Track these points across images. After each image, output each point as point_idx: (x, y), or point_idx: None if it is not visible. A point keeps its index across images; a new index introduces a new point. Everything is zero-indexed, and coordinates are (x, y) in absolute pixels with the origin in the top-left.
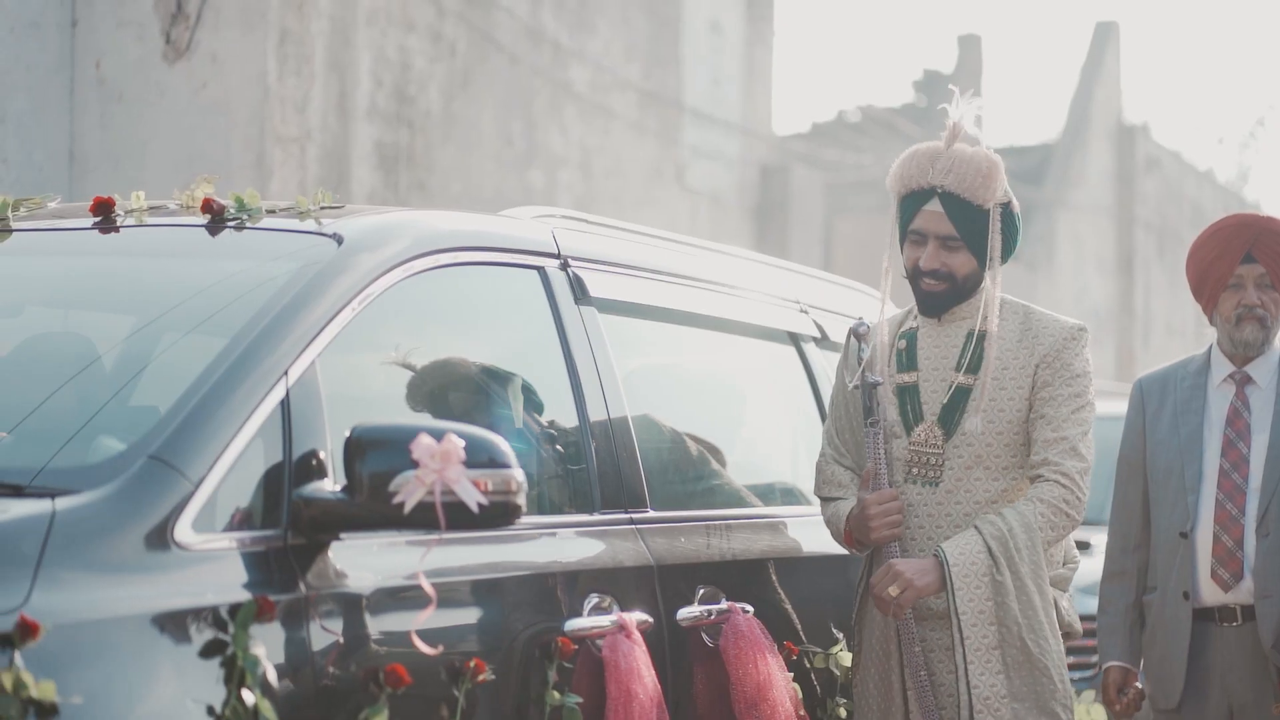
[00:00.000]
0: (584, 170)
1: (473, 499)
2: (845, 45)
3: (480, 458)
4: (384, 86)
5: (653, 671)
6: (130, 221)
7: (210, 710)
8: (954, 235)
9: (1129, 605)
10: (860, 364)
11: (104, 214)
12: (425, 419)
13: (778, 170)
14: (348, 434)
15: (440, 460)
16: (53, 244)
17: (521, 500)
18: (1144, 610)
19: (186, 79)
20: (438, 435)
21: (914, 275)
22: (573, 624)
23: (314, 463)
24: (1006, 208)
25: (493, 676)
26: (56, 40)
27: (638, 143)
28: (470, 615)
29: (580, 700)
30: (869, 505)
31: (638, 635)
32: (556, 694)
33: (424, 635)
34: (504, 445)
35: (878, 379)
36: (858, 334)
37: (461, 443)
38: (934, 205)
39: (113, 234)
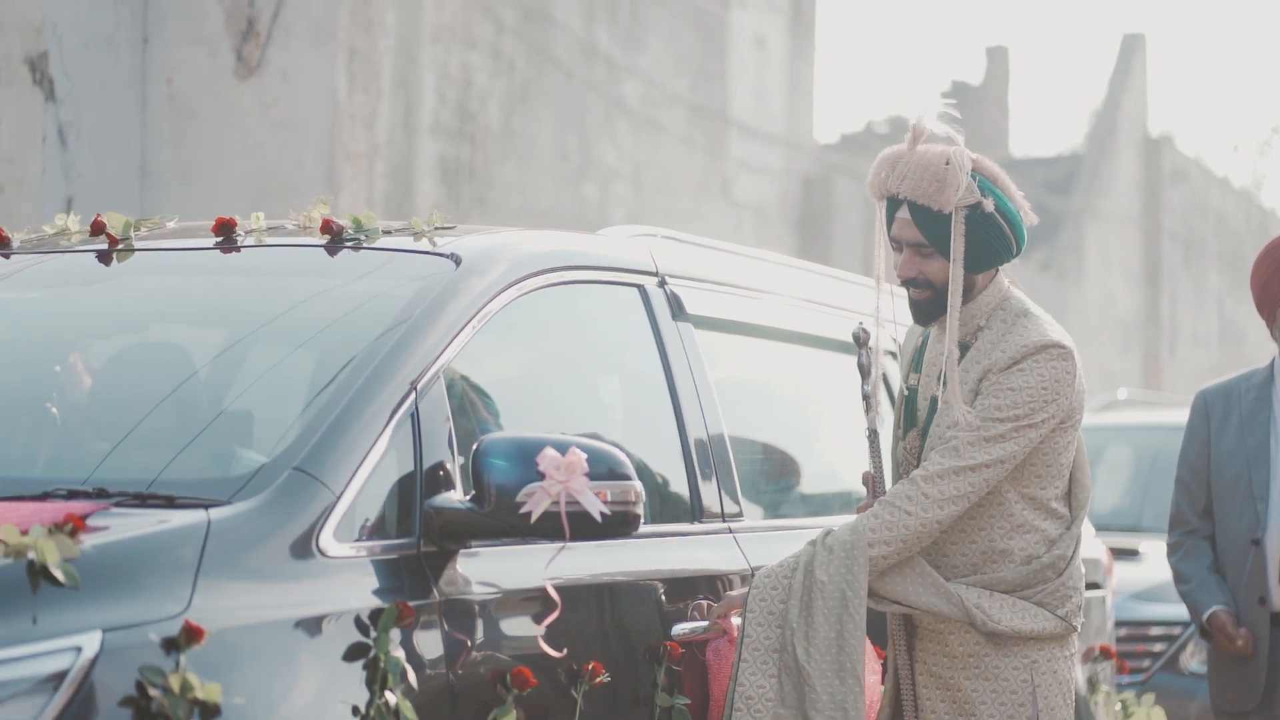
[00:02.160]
0: (635, 184)
1: (596, 509)
2: (874, 57)
3: (601, 469)
4: (447, 102)
5: None
6: (250, 241)
7: (355, 710)
8: (923, 242)
9: (1207, 567)
10: (860, 370)
11: (226, 234)
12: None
13: (819, 182)
14: (476, 446)
15: (565, 471)
16: (176, 263)
17: (640, 510)
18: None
19: (257, 96)
20: (562, 448)
21: (902, 284)
22: (679, 628)
23: (442, 473)
24: (976, 210)
25: (609, 679)
26: (129, 57)
27: (686, 156)
28: (583, 620)
29: (688, 702)
30: (858, 513)
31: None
32: (666, 695)
33: (546, 639)
34: (623, 457)
35: (868, 389)
36: (856, 339)
37: (584, 455)
38: (904, 212)
39: (234, 253)
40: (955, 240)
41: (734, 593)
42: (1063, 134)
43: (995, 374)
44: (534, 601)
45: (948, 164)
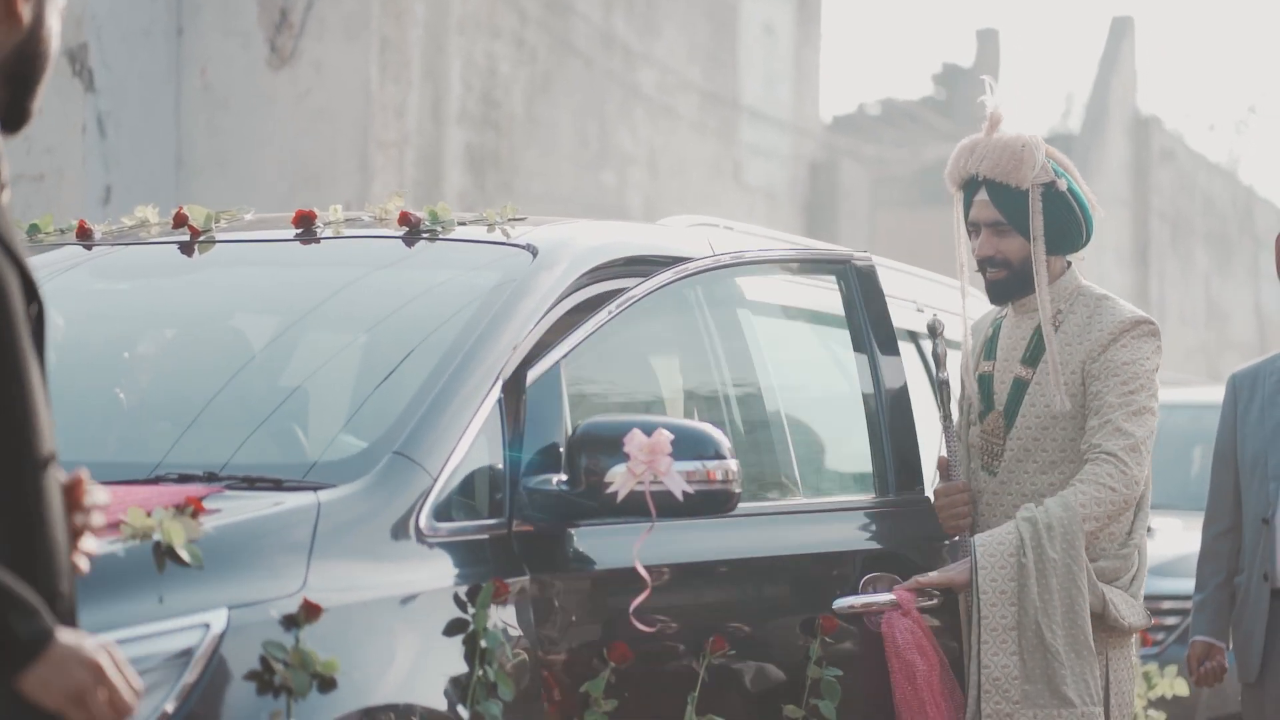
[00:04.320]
0: (651, 169)
1: (679, 489)
2: (865, 39)
3: (694, 450)
4: (473, 91)
5: (934, 644)
6: (329, 233)
7: (455, 683)
8: (1000, 220)
9: (1219, 585)
10: (935, 360)
11: (305, 226)
12: (650, 415)
13: (825, 166)
14: (572, 430)
15: (649, 452)
16: (259, 255)
17: (737, 488)
18: (1235, 591)
19: (291, 86)
20: (651, 430)
21: (979, 266)
22: (843, 602)
23: (534, 456)
24: (1050, 187)
25: (733, 653)
26: (164, 48)
27: (699, 142)
28: (730, 594)
29: (840, 674)
30: (937, 497)
31: (915, 612)
32: (817, 668)
33: (677, 614)
34: (719, 436)
35: (944, 376)
36: (932, 330)
37: (670, 436)
38: (982, 195)
39: (314, 245)
40: (1034, 218)
41: (959, 565)
42: (1053, 116)
43: (1099, 354)
44: (628, 580)
45: (1024, 146)
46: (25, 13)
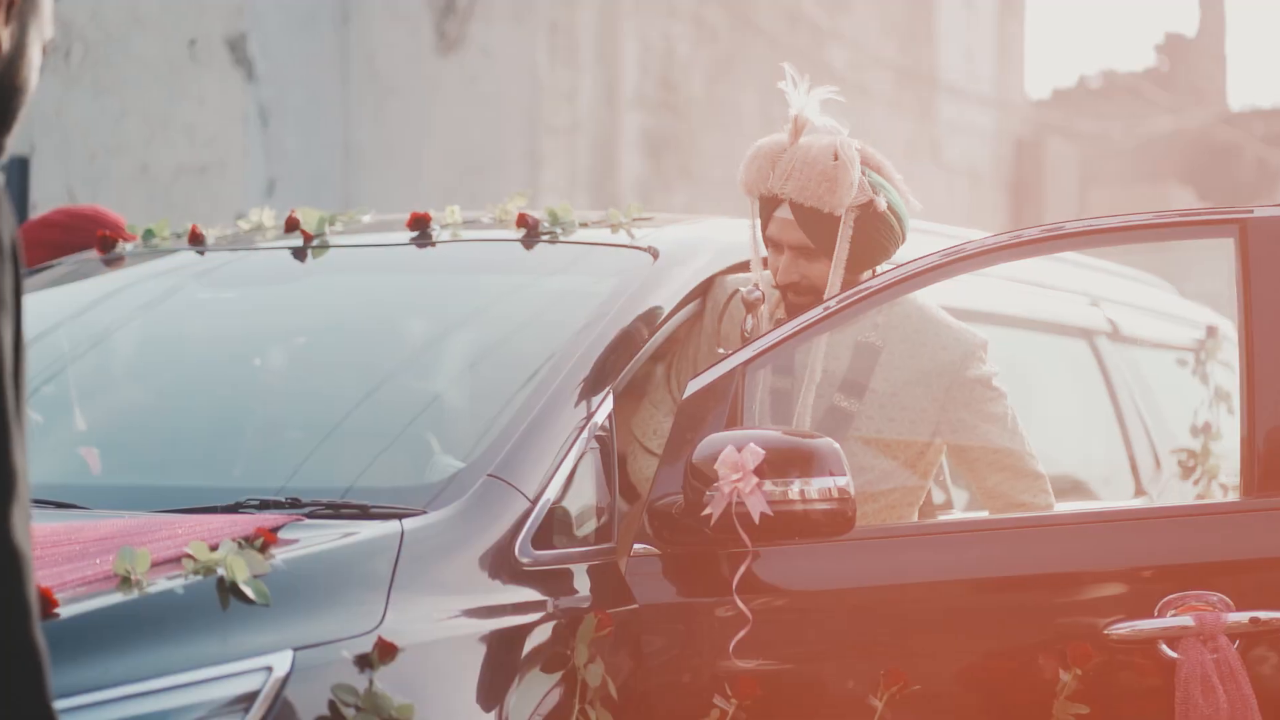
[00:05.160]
0: None
1: (757, 511)
2: (1085, 8)
3: (809, 468)
4: (650, 74)
5: (1238, 680)
6: (445, 236)
7: None
8: (807, 244)
9: None
10: (743, 336)
11: (420, 229)
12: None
13: (1031, 144)
14: (692, 452)
15: (734, 471)
16: (371, 260)
17: (848, 509)
18: None
19: (458, 72)
20: (761, 444)
21: (781, 290)
22: (1123, 627)
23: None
24: (868, 209)
25: (917, 688)
26: (330, 35)
27: (895, 121)
28: (960, 620)
29: (1086, 710)
30: None
31: (1221, 639)
32: (1066, 703)
33: (840, 644)
34: (829, 453)
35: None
36: (747, 301)
37: (760, 453)
38: (784, 211)
39: (429, 249)
40: (841, 244)
41: None
42: None
43: (949, 382)
44: (753, 609)
45: (836, 159)
46: (4, 41)
